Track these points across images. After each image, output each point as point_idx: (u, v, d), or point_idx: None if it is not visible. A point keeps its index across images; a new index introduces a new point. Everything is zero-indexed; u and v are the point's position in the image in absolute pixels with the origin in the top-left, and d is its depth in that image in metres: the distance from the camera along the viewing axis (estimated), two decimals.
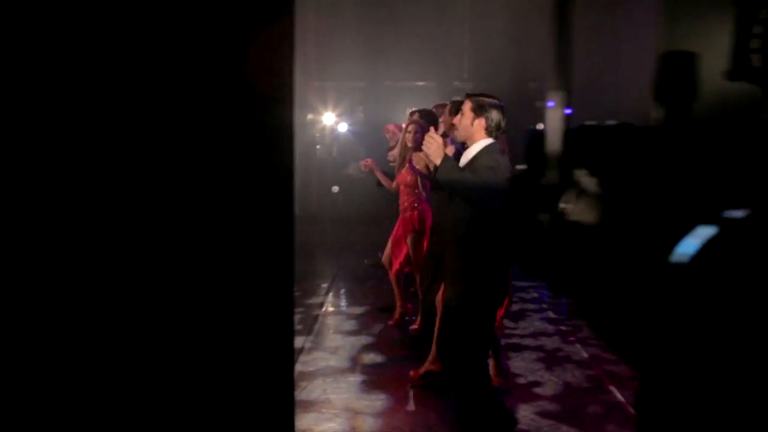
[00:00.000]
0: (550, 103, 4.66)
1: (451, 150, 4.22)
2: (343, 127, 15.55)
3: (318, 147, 16.29)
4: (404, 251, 6.05)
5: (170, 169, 2.41)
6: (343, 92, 15.31)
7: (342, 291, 8.51)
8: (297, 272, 2.70)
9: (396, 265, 6.22)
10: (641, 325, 1.12)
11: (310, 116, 15.11)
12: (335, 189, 14.91)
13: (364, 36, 15.20)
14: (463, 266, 3.62)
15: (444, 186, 3.77)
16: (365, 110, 16.11)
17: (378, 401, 4.72)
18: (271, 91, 2.46)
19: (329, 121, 15.42)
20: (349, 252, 11.22)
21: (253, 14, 2.42)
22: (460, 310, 3.61)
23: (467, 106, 3.69)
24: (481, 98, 3.71)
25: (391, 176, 6.38)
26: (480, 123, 3.63)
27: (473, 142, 3.68)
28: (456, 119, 3.85)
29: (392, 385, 5.01)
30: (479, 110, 3.65)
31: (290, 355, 2.75)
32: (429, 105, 16.49)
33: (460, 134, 3.77)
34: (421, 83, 16.41)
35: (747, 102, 1.27)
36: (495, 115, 3.65)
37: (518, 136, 3.13)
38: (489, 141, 3.66)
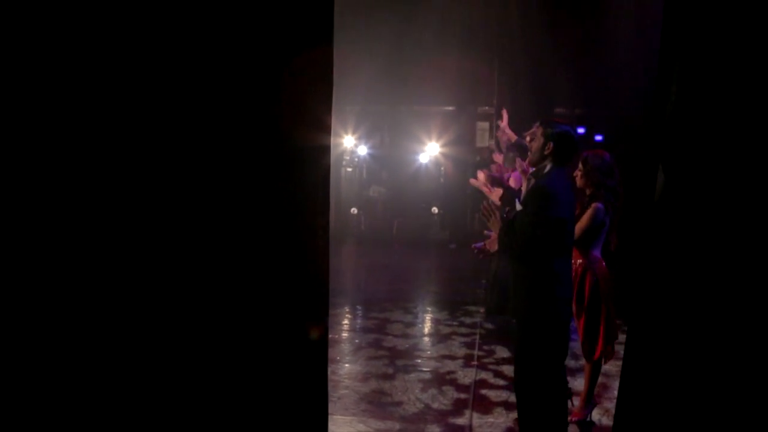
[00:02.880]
0: (581, 130, 4.65)
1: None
2: (362, 150, 15.72)
3: (349, 169, 16.43)
4: None
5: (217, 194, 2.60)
6: (366, 115, 15.39)
7: None
8: None
9: None
10: None
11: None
12: (354, 210, 15.09)
13: (391, 60, 15.23)
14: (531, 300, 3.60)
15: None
16: (390, 134, 16.22)
17: None
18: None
19: (349, 144, 15.57)
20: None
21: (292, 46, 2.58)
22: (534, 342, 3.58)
23: (539, 131, 3.67)
24: (552, 124, 3.68)
25: None
26: (548, 148, 3.61)
27: (542, 167, 3.66)
28: (530, 144, 3.80)
29: None
30: (548, 136, 3.61)
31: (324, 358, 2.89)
32: (453, 129, 16.42)
33: (531, 158, 3.73)
34: (449, 108, 16.40)
35: None
36: (564, 141, 3.61)
37: None
38: (555, 167, 3.62)
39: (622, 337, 6.56)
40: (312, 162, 2.64)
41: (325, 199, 2.69)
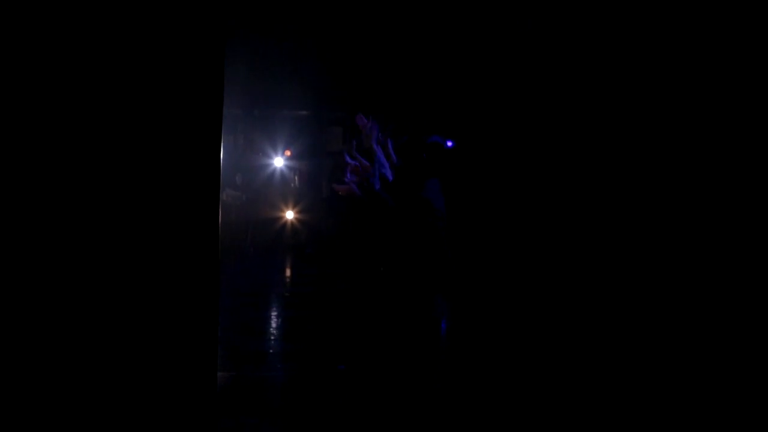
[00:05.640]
0: (435, 138, 4.52)
1: None
2: None
3: None
4: None
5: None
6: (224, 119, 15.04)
7: None
8: None
9: None
10: None
11: None
12: None
13: (245, 64, 15.01)
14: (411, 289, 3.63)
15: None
16: (243, 138, 15.97)
17: None
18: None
19: None
20: None
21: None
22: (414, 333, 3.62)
23: (408, 143, 3.67)
24: (421, 136, 3.69)
25: None
26: (422, 159, 3.62)
27: (417, 177, 3.64)
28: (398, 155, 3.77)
29: None
30: (420, 146, 3.63)
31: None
32: (307, 133, 16.42)
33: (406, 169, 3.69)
34: (302, 112, 16.44)
35: None
36: (436, 151, 3.63)
37: None
38: (429, 177, 3.63)
39: None
40: (200, 175, 2.60)
41: (214, 211, 2.65)
